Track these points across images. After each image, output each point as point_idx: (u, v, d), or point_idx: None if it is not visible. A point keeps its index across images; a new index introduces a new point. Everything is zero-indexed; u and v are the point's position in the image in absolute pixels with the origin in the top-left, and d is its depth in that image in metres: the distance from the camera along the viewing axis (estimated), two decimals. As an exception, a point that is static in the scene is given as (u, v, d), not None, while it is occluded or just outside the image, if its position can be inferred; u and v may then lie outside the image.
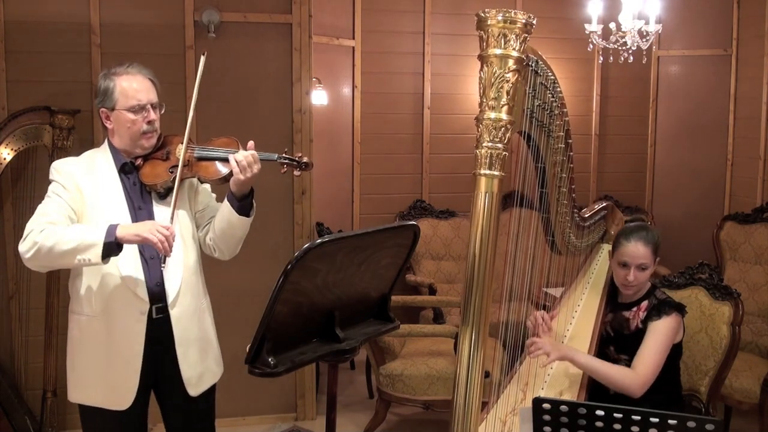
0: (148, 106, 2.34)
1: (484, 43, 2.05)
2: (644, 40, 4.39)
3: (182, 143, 2.35)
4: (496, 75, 2.04)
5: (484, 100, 2.06)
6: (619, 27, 4.41)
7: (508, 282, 2.58)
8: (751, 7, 5.16)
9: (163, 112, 2.41)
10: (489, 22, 2.02)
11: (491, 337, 3.18)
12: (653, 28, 4.35)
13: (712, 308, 3.10)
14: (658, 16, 4.44)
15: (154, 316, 2.31)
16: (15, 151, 3.60)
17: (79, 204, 2.28)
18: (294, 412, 4.19)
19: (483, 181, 2.06)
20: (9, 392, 3.71)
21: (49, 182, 2.34)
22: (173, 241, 2.18)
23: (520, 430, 2.32)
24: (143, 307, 2.29)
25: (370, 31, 5.22)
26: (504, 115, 2.05)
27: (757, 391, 3.53)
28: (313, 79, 4.14)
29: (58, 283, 3.67)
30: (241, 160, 2.26)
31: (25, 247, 2.17)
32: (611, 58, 4.76)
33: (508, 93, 2.05)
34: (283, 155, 2.33)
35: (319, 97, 4.72)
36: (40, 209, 2.26)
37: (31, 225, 2.19)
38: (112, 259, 2.23)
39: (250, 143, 2.32)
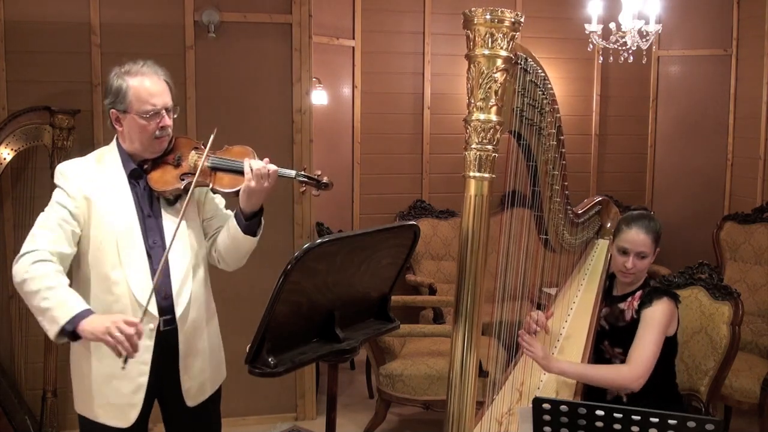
0: (162, 110, 2.23)
1: (471, 43, 2.02)
2: (644, 40, 4.39)
3: (196, 149, 2.29)
4: (483, 75, 2.01)
5: (472, 101, 2.04)
6: (619, 27, 4.41)
7: (503, 281, 2.57)
8: (751, 7, 5.16)
9: (176, 115, 2.32)
10: (475, 22, 1.99)
11: (491, 337, 3.18)
12: (653, 28, 4.35)
13: (712, 308, 3.10)
14: (658, 16, 4.43)
15: (162, 328, 2.24)
16: (15, 151, 3.60)
17: (84, 212, 2.20)
18: (294, 412, 4.19)
19: (472, 183, 2.04)
20: (9, 392, 3.71)
21: (53, 186, 2.25)
22: (140, 338, 2.01)
23: (520, 430, 2.32)
24: (153, 323, 2.21)
25: (370, 31, 5.21)
26: (493, 116, 2.03)
27: (757, 391, 3.53)
28: (313, 79, 4.14)
29: (58, 283, 3.67)
30: (258, 168, 2.17)
31: (18, 269, 2.12)
32: (611, 58, 4.76)
33: (496, 93, 2.02)
34: (302, 173, 2.24)
35: (319, 97, 4.72)
36: (41, 221, 2.17)
37: (28, 245, 2.11)
38: (122, 271, 2.18)
39: (266, 160, 2.23)
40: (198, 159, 2.25)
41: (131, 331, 1.98)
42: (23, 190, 3.75)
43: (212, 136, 2.25)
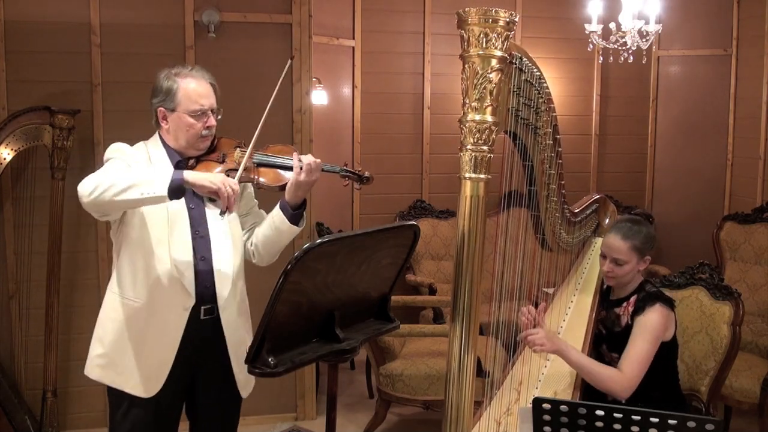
0: (209, 111, 2.34)
1: (465, 43, 2.01)
2: (644, 40, 4.39)
3: (239, 147, 2.38)
4: (478, 75, 2.00)
5: (467, 102, 2.03)
6: (619, 27, 4.41)
7: (501, 281, 2.57)
8: (751, 7, 5.16)
9: (220, 117, 2.40)
10: (469, 22, 1.99)
11: (490, 337, 3.18)
12: (653, 28, 4.35)
13: (713, 308, 3.10)
14: (658, 16, 4.43)
15: (202, 317, 2.31)
16: (15, 151, 3.60)
17: None
18: (294, 412, 4.19)
19: (468, 184, 2.04)
20: (9, 392, 3.71)
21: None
22: (235, 199, 2.16)
23: (520, 430, 2.32)
24: (188, 303, 2.28)
25: (370, 31, 5.21)
26: (488, 117, 2.02)
27: (757, 391, 3.53)
28: (313, 79, 4.14)
29: (58, 282, 3.68)
30: (309, 162, 2.28)
31: (87, 184, 2.10)
32: (611, 58, 4.76)
33: (491, 93, 2.01)
34: (345, 167, 2.36)
35: (319, 97, 4.72)
36: (102, 168, 2.22)
37: (92, 175, 2.16)
38: (167, 250, 2.24)
39: (309, 155, 2.33)
40: (242, 156, 2.33)
41: (236, 187, 2.15)
42: (23, 190, 3.75)
43: (257, 132, 2.32)
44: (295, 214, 2.36)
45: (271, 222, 2.40)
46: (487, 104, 2.02)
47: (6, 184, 3.74)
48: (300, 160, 2.28)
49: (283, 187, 2.34)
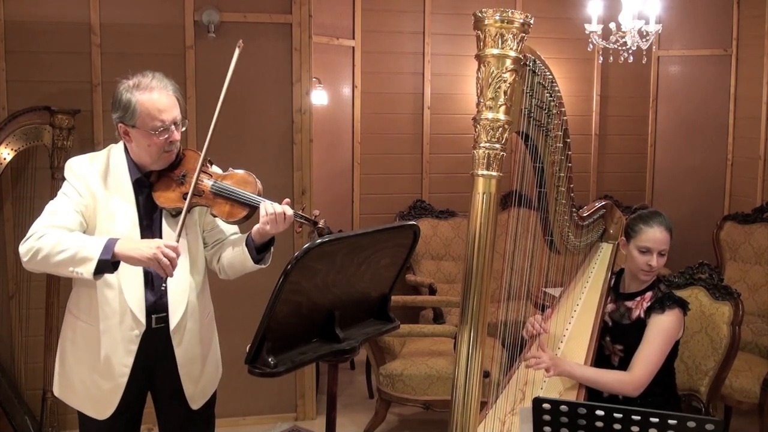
0: (171, 126, 2.22)
1: (482, 43, 2.05)
2: (644, 40, 4.39)
3: (197, 168, 2.27)
4: (493, 75, 2.04)
5: (482, 101, 2.06)
6: (619, 27, 4.41)
7: (507, 282, 2.58)
8: (751, 7, 5.16)
9: (185, 128, 2.31)
10: (486, 22, 2.02)
11: (491, 337, 3.18)
12: (653, 28, 4.35)
13: (712, 308, 3.10)
14: (658, 16, 4.44)
15: (153, 325, 2.27)
16: (15, 151, 3.60)
17: (91, 210, 2.22)
18: (294, 412, 4.20)
19: (481, 181, 2.06)
20: (9, 392, 3.71)
21: (53, 186, 2.30)
22: (177, 260, 2.09)
23: (520, 430, 2.32)
24: (139, 329, 2.24)
25: (370, 31, 5.22)
26: (501, 116, 2.05)
27: (757, 391, 3.53)
28: (313, 79, 4.14)
29: (58, 283, 3.67)
30: (275, 213, 2.20)
31: (23, 250, 2.11)
32: (611, 58, 4.76)
33: (505, 93, 2.05)
34: (300, 213, 2.27)
35: (319, 97, 4.72)
36: (50, 207, 2.20)
37: (35, 226, 2.14)
38: (116, 276, 2.18)
39: (286, 201, 2.26)
40: (201, 182, 2.26)
41: (174, 255, 2.06)
42: (23, 190, 3.74)
43: (204, 149, 2.26)
44: (259, 257, 2.29)
45: (237, 252, 2.32)
46: (501, 103, 2.05)
47: (6, 184, 3.74)
48: (266, 210, 2.20)
49: (235, 223, 2.29)
